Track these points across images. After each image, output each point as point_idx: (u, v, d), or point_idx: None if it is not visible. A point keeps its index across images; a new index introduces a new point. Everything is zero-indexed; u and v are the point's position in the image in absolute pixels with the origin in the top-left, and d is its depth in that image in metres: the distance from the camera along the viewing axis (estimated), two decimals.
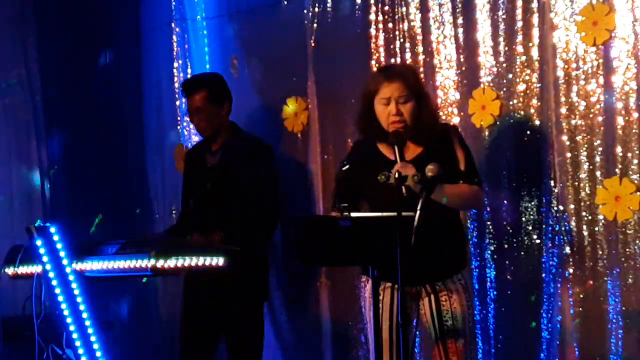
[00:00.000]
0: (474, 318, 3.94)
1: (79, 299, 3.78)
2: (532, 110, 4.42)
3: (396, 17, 4.86)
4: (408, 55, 4.82)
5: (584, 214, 4.25)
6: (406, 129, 3.80)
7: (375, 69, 4.91)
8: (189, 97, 4.82)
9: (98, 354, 3.77)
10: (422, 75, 4.71)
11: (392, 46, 4.88)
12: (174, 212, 5.81)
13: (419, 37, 4.78)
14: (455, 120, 4.64)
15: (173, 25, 5.82)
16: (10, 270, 4.05)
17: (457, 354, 3.79)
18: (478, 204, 3.99)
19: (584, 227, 4.24)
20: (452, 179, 3.75)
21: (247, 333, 4.72)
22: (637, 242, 4.11)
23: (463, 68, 4.64)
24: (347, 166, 3.87)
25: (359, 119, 3.97)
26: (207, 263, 3.83)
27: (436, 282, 3.83)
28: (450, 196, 3.70)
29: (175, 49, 5.82)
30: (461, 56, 4.64)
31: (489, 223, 4.52)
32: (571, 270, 4.29)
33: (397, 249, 3.21)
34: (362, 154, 3.95)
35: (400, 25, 4.85)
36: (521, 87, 4.45)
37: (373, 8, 4.94)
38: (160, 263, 3.66)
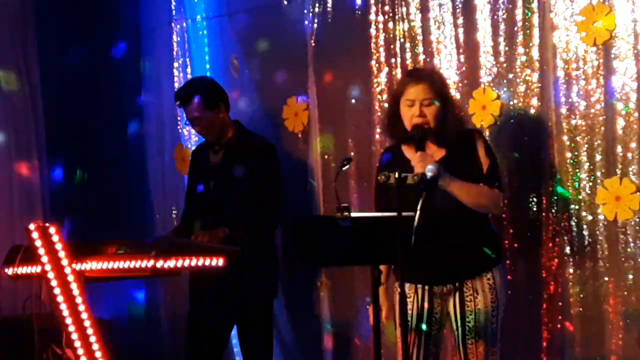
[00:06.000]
0: (500, 319, 3.84)
1: (79, 299, 3.77)
2: (532, 110, 4.42)
3: (396, 17, 4.86)
4: (408, 55, 4.82)
5: (584, 214, 4.25)
6: (428, 129, 3.80)
7: (375, 68, 4.92)
8: (184, 107, 4.80)
9: (98, 354, 3.76)
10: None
11: (392, 46, 4.88)
12: (174, 212, 5.81)
13: (419, 37, 4.78)
14: None
15: (173, 25, 5.83)
16: (10, 270, 4.04)
17: (477, 357, 3.79)
18: (495, 208, 3.88)
19: (584, 227, 4.25)
20: (474, 181, 3.76)
21: (259, 330, 4.73)
22: (637, 242, 4.11)
23: (463, 68, 4.64)
24: (347, 165, 3.87)
25: (385, 120, 4.01)
26: (207, 263, 3.81)
27: (465, 280, 3.82)
28: (459, 190, 3.70)
29: (175, 49, 5.82)
30: (461, 56, 4.64)
31: None
32: (571, 270, 4.29)
33: (407, 250, 3.18)
34: (391, 158, 3.94)
35: (400, 25, 4.85)
36: (521, 87, 4.44)
37: (373, 8, 4.94)
38: (160, 263, 3.65)
